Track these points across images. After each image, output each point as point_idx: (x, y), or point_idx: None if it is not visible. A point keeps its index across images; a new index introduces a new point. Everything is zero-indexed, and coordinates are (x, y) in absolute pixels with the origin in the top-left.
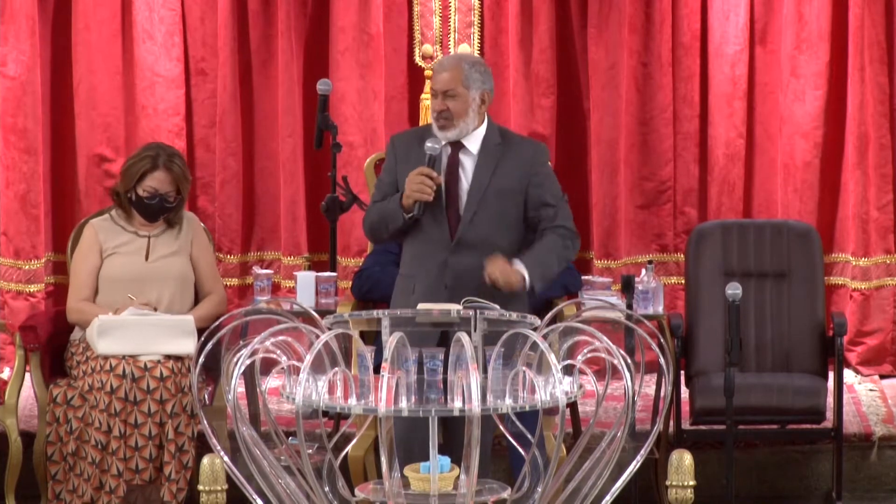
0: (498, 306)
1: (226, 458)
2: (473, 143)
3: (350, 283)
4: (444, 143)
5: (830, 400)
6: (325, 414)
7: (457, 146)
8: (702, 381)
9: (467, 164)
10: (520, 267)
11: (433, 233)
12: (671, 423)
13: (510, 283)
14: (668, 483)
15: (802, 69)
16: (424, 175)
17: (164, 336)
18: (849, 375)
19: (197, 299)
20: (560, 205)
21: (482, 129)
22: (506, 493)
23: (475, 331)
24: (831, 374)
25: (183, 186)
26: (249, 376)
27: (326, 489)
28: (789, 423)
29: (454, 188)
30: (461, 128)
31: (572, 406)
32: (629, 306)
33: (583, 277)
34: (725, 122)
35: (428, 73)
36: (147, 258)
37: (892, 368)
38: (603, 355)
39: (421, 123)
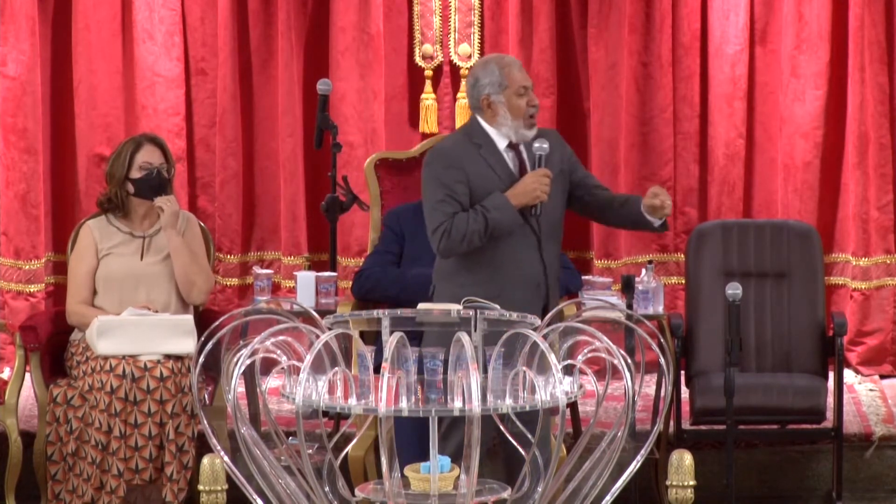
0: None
1: (226, 458)
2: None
3: (350, 283)
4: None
5: (830, 400)
6: (325, 414)
7: (516, 146)
8: (702, 381)
9: (526, 160)
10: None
11: (518, 235)
12: (671, 423)
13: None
14: (668, 483)
15: (802, 69)
16: (543, 176)
17: (164, 336)
18: (849, 375)
19: None
20: (586, 175)
21: None
22: (506, 493)
23: (475, 331)
24: (831, 374)
25: (169, 157)
26: (249, 376)
27: (326, 489)
28: (789, 423)
29: None
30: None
31: (572, 406)
32: (629, 306)
33: (583, 277)
34: (725, 122)
35: (428, 73)
36: (142, 258)
37: (892, 368)
38: (603, 355)
39: (421, 123)
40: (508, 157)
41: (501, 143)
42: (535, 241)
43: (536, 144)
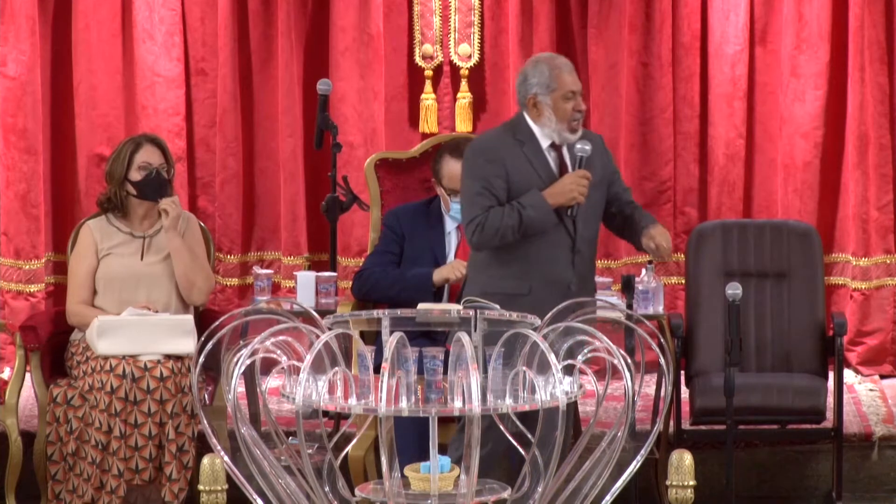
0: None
1: (226, 458)
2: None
3: (350, 283)
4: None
5: (830, 400)
6: (326, 414)
7: (558, 147)
8: (702, 381)
9: (568, 161)
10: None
11: (552, 234)
12: (671, 423)
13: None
14: (668, 483)
15: (802, 69)
16: (582, 178)
17: (164, 336)
18: (849, 375)
19: None
20: (621, 186)
21: None
22: (506, 493)
23: (475, 331)
24: (831, 374)
25: (169, 158)
26: (249, 376)
27: (326, 489)
28: (789, 423)
29: None
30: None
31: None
32: (629, 306)
33: None
34: (725, 122)
35: (428, 73)
36: (142, 258)
37: (892, 368)
38: (603, 355)
39: (421, 123)
40: (550, 157)
41: (545, 143)
42: (570, 243)
43: (578, 145)
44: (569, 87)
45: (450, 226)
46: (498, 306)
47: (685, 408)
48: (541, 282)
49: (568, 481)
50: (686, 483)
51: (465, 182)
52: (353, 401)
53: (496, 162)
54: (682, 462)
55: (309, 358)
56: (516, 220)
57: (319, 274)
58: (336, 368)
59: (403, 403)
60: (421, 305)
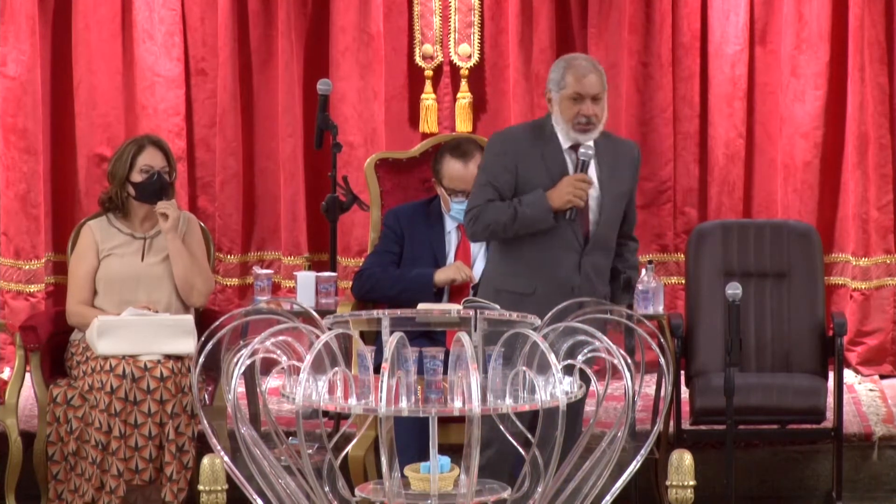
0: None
1: (226, 458)
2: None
3: (350, 283)
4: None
5: (830, 400)
6: (326, 414)
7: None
8: (702, 381)
9: (591, 166)
10: None
11: (560, 236)
12: (671, 423)
13: None
14: (668, 483)
15: (802, 69)
16: (581, 181)
17: (164, 336)
18: (849, 375)
19: None
20: (631, 207)
21: None
22: (506, 493)
23: (475, 331)
24: (831, 374)
25: (171, 160)
26: (249, 376)
27: (326, 489)
28: (789, 423)
29: None
30: (596, 132)
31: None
32: (629, 306)
33: None
34: (725, 122)
35: (428, 73)
36: (143, 259)
37: (892, 368)
38: (603, 355)
39: (421, 123)
40: (570, 159)
41: (565, 143)
42: (578, 248)
43: (582, 149)
44: (573, 89)
45: (450, 225)
46: (498, 306)
47: (685, 408)
48: (545, 282)
49: (568, 481)
50: (686, 483)
51: (479, 170)
52: (353, 401)
53: (508, 155)
54: (682, 462)
55: (309, 358)
56: (511, 216)
57: (319, 274)
58: (336, 368)
59: (403, 403)
60: (421, 305)
